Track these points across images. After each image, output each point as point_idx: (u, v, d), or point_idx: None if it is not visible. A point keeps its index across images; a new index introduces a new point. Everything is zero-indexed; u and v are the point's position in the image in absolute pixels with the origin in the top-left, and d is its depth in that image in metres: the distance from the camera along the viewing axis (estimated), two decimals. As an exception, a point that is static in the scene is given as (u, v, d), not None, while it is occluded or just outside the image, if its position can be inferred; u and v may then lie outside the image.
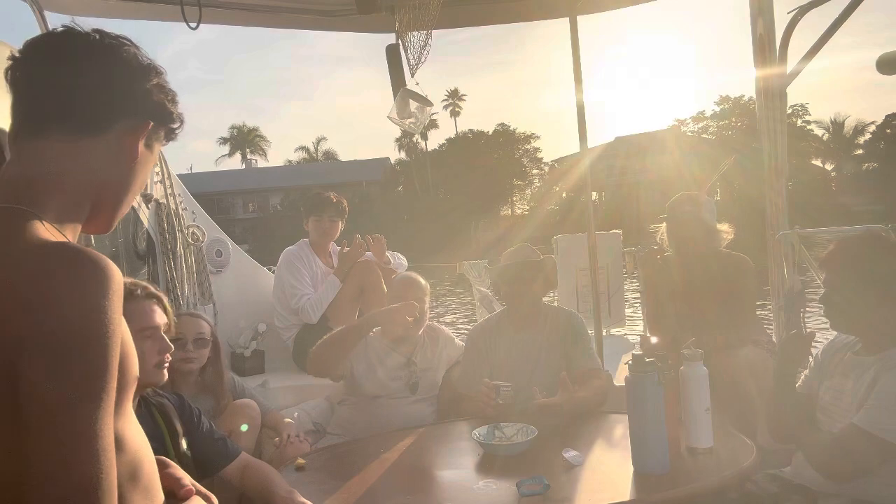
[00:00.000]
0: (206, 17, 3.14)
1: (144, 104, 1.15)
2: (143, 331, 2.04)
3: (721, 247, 3.50)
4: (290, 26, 4.16)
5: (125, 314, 1.99)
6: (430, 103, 3.67)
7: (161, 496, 1.15)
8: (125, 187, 1.17)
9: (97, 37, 1.12)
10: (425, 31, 3.25)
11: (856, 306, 2.18)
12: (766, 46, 3.56)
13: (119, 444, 1.00)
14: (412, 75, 3.64)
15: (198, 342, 2.93)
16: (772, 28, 3.60)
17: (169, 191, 3.93)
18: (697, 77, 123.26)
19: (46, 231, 1.00)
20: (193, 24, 3.06)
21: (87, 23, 1.16)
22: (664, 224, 3.59)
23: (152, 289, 2.13)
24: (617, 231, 5.49)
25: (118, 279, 0.96)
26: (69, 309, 0.89)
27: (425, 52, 3.26)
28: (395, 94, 3.72)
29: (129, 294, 2.05)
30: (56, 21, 3.47)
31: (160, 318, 2.10)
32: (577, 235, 5.26)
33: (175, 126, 1.23)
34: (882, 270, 2.14)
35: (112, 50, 1.12)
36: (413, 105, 3.62)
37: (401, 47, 3.64)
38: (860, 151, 51.96)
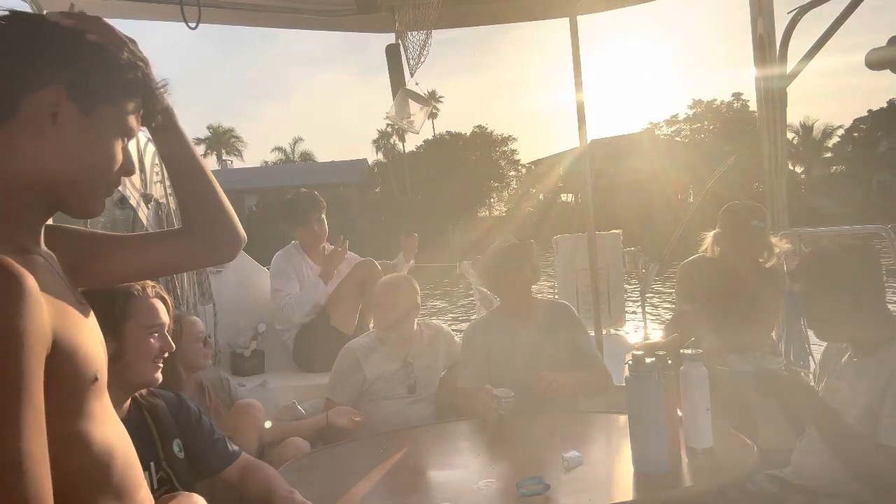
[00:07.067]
0: (205, 17, 3.11)
1: (48, 70, 1.03)
2: (149, 328, 2.01)
3: (772, 261, 3.41)
4: (289, 26, 4.16)
5: (133, 310, 1.97)
6: (429, 103, 3.70)
7: (141, 495, 1.11)
8: (72, 168, 1.06)
9: (8, 20, 1.05)
10: (425, 31, 3.26)
11: (836, 315, 2.20)
12: (766, 46, 3.59)
13: (80, 447, 0.99)
14: (412, 75, 3.67)
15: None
16: (772, 28, 3.64)
17: (169, 191, 3.85)
18: (671, 80, 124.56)
19: None
20: (193, 24, 3.03)
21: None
22: (715, 231, 3.45)
23: (160, 289, 2.11)
24: (617, 231, 5.50)
25: (33, 290, 0.90)
26: None
27: (425, 52, 3.28)
28: (394, 94, 3.73)
29: (140, 292, 2.02)
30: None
31: (165, 316, 2.07)
32: (577, 235, 5.23)
33: (109, 80, 1.07)
34: (850, 275, 2.17)
35: (11, 27, 1.04)
36: (412, 105, 3.63)
37: (401, 47, 3.66)
38: (829, 154, 52.78)
